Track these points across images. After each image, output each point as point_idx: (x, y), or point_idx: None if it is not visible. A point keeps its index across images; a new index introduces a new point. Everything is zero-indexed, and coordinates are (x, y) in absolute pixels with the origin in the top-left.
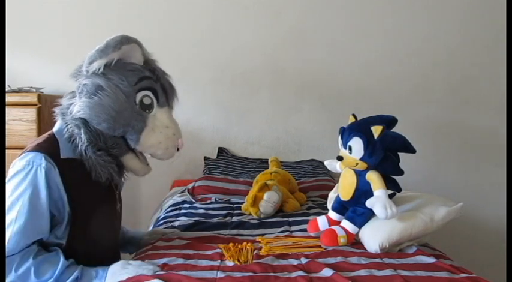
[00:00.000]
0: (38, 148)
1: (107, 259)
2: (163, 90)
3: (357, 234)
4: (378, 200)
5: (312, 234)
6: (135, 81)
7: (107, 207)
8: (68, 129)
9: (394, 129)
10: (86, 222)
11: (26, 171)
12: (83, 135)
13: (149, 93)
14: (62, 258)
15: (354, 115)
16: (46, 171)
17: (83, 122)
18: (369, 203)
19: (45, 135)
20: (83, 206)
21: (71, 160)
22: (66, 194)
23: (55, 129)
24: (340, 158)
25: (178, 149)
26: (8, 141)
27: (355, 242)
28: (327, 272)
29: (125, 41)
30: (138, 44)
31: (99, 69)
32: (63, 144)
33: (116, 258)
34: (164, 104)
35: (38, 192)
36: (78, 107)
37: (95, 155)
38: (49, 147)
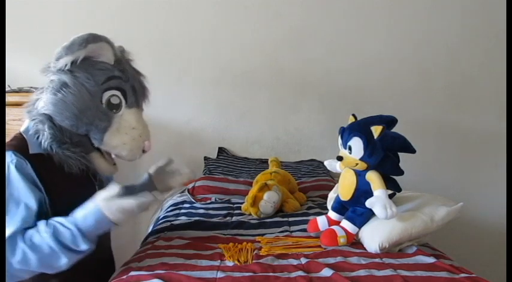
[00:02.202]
0: (7, 148)
1: (96, 250)
2: (133, 90)
3: (357, 234)
4: (378, 200)
5: (311, 234)
6: (102, 80)
7: (85, 198)
8: (33, 125)
9: (394, 129)
10: (66, 214)
11: None
12: (46, 131)
13: (117, 93)
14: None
15: (354, 115)
16: (17, 165)
17: (47, 117)
18: (368, 203)
19: (13, 135)
20: (61, 198)
21: (40, 155)
22: (43, 187)
23: (22, 128)
24: (340, 158)
25: (144, 151)
26: None
27: (355, 242)
28: (326, 272)
29: (92, 39)
30: (109, 42)
31: (66, 66)
32: (31, 141)
33: (106, 249)
34: (133, 105)
35: (13, 186)
36: (43, 102)
37: (60, 149)
38: (17, 145)
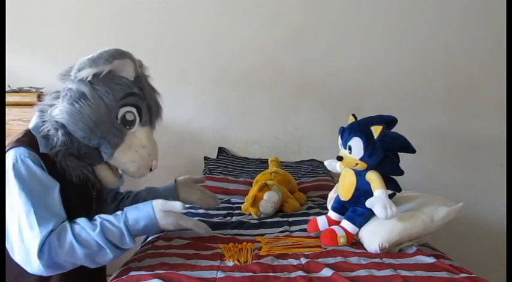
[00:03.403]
0: (19, 143)
1: None
2: (148, 109)
3: (357, 234)
4: (378, 200)
5: (311, 234)
6: (121, 96)
7: (81, 207)
8: (44, 129)
9: (394, 129)
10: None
11: (16, 167)
12: (59, 137)
13: (133, 109)
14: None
15: (354, 115)
16: (33, 160)
17: (61, 125)
18: (368, 203)
19: (22, 131)
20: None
21: (47, 155)
22: None
23: (31, 125)
24: (340, 158)
25: (151, 170)
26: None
27: (355, 242)
28: (326, 272)
29: (118, 55)
30: (132, 59)
31: (87, 77)
32: (40, 140)
33: None
34: (146, 123)
35: (36, 179)
36: (59, 110)
37: (64, 159)
38: (29, 141)
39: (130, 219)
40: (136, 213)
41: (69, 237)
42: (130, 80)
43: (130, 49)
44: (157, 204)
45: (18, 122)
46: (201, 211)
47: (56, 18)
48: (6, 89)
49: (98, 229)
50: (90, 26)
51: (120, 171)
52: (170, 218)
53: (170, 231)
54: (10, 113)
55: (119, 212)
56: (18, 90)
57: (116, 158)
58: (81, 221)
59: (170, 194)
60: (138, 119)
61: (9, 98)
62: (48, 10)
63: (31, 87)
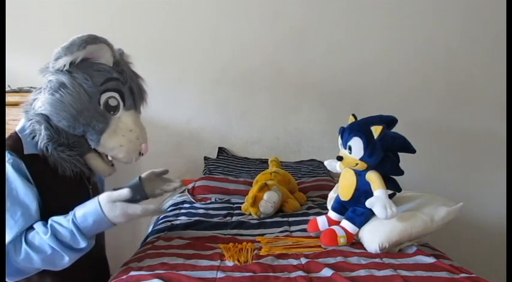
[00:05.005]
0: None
1: (88, 254)
2: (131, 92)
3: (357, 234)
4: (378, 200)
5: (311, 234)
6: (100, 81)
7: (78, 200)
8: (29, 125)
9: (394, 129)
10: (58, 215)
11: None
12: (43, 131)
13: (115, 95)
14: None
15: (353, 115)
16: (13, 164)
17: (44, 118)
18: (368, 203)
19: (8, 134)
20: (54, 200)
21: (35, 156)
22: (36, 188)
23: (18, 128)
24: (340, 158)
25: (141, 154)
26: None
27: (355, 242)
28: (326, 272)
29: (91, 40)
30: (107, 44)
31: (65, 66)
32: (26, 141)
33: (99, 247)
34: (131, 107)
35: (11, 185)
36: (41, 102)
37: (56, 151)
38: (12, 145)
39: (78, 217)
40: (84, 210)
41: (23, 244)
42: (109, 65)
43: (131, 49)
44: (103, 197)
45: (18, 122)
46: (201, 211)
47: (56, 18)
48: (6, 89)
49: (49, 233)
50: (90, 26)
51: (109, 158)
52: (117, 210)
53: (123, 224)
54: (10, 113)
55: (70, 212)
56: (18, 90)
57: (103, 144)
58: (37, 226)
59: (137, 191)
60: (121, 103)
61: (9, 98)
62: (48, 10)
63: (31, 87)
